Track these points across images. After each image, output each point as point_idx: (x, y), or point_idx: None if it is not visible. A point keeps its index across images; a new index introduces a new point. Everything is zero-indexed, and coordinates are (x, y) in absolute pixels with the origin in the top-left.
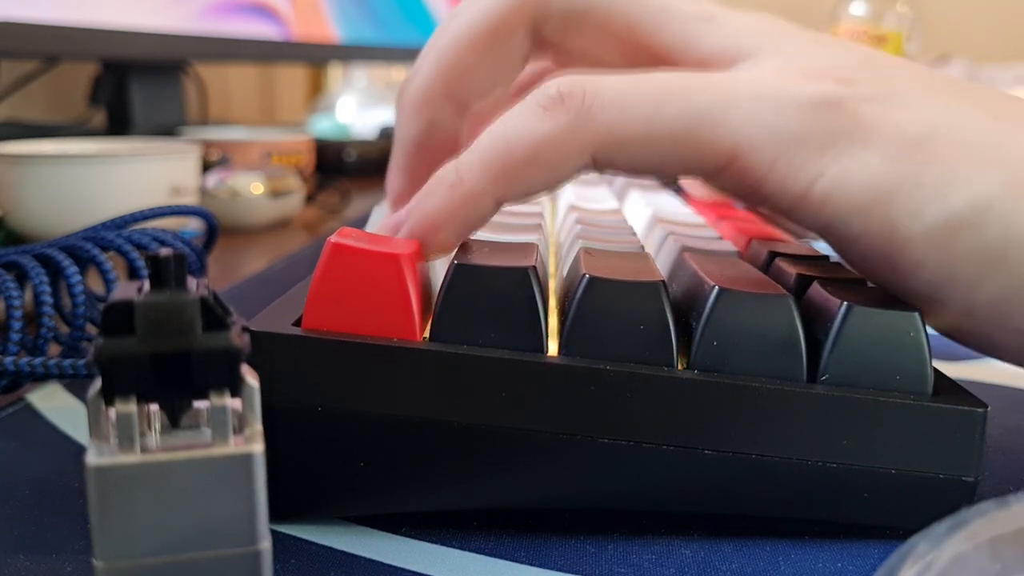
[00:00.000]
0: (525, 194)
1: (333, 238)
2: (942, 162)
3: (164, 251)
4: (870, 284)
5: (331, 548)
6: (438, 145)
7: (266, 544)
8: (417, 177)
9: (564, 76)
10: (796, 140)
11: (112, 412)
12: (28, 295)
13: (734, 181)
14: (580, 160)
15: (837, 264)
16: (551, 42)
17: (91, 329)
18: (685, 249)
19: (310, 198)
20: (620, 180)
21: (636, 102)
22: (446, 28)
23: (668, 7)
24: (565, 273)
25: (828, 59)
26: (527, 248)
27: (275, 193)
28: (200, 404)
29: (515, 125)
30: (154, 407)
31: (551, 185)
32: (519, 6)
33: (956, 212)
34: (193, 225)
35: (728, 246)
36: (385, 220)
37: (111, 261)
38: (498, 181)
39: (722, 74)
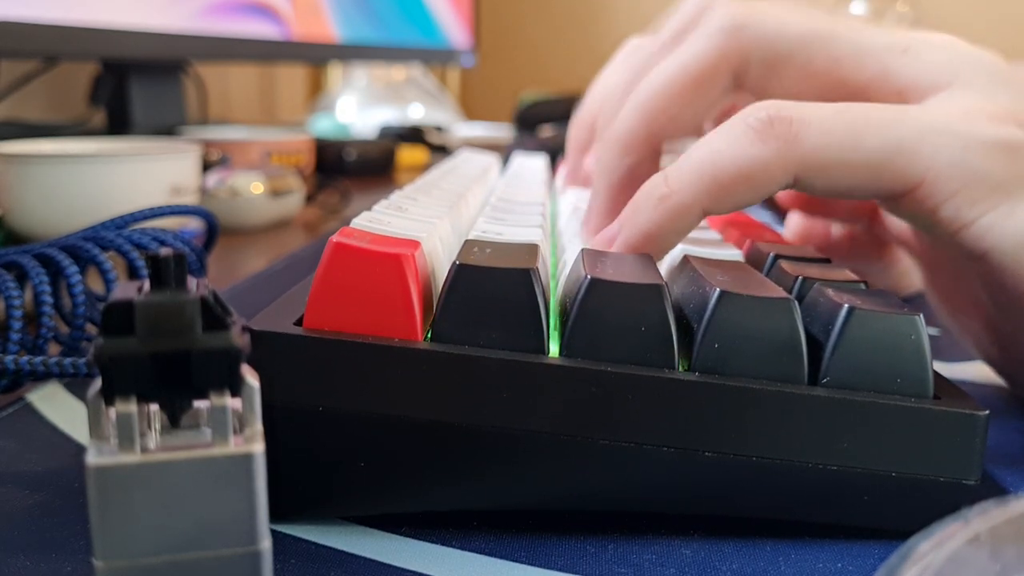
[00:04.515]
0: (729, 207)
1: (335, 237)
2: None
3: (164, 251)
4: (872, 287)
5: (331, 548)
6: (637, 186)
7: (266, 544)
8: (617, 214)
9: (771, 102)
10: (977, 175)
11: (112, 412)
12: (28, 295)
13: (912, 206)
14: (783, 181)
15: (839, 267)
16: (750, 86)
17: (91, 329)
18: (687, 251)
19: (310, 198)
20: None
21: (840, 130)
22: (651, 75)
23: (865, 41)
24: (567, 274)
25: (1011, 101)
26: (529, 249)
27: (275, 193)
28: (200, 404)
29: (726, 145)
30: (154, 407)
31: (754, 200)
32: (723, 57)
33: None
34: (193, 225)
35: (729, 248)
36: (599, 235)
37: (111, 261)
38: (707, 195)
39: (917, 107)
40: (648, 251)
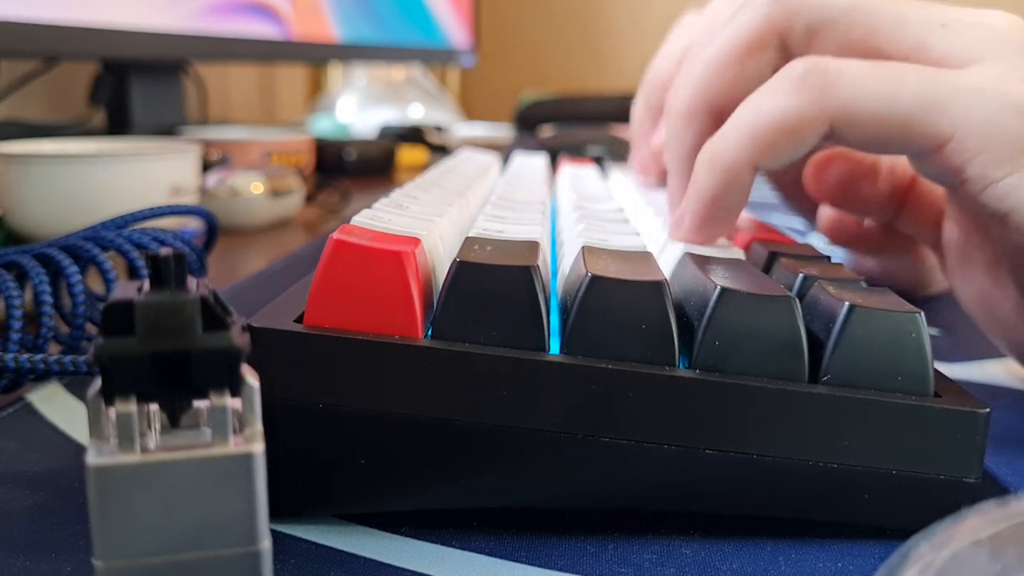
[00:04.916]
0: (775, 162)
1: (336, 235)
2: None
3: (164, 251)
4: (872, 285)
5: (331, 548)
6: None
7: (266, 544)
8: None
9: (808, 57)
10: (1004, 137)
11: (112, 412)
12: (28, 295)
13: (940, 162)
14: (820, 129)
15: (839, 265)
16: (796, 53)
17: (91, 329)
18: (687, 249)
19: (310, 198)
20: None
21: (874, 83)
22: (704, 49)
23: (905, 14)
24: (567, 272)
25: None
26: (530, 246)
27: (275, 193)
28: (200, 404)
29: (765, 100)
30: (154, 407)
31: (796, 154)
32: (770, 25)
33: None
34: (193, 225)
35: (730, 246)
36: (672, 217)
37: (111, 261)
38: (752, 150)
39: (951, 71)
40: (715, 219)
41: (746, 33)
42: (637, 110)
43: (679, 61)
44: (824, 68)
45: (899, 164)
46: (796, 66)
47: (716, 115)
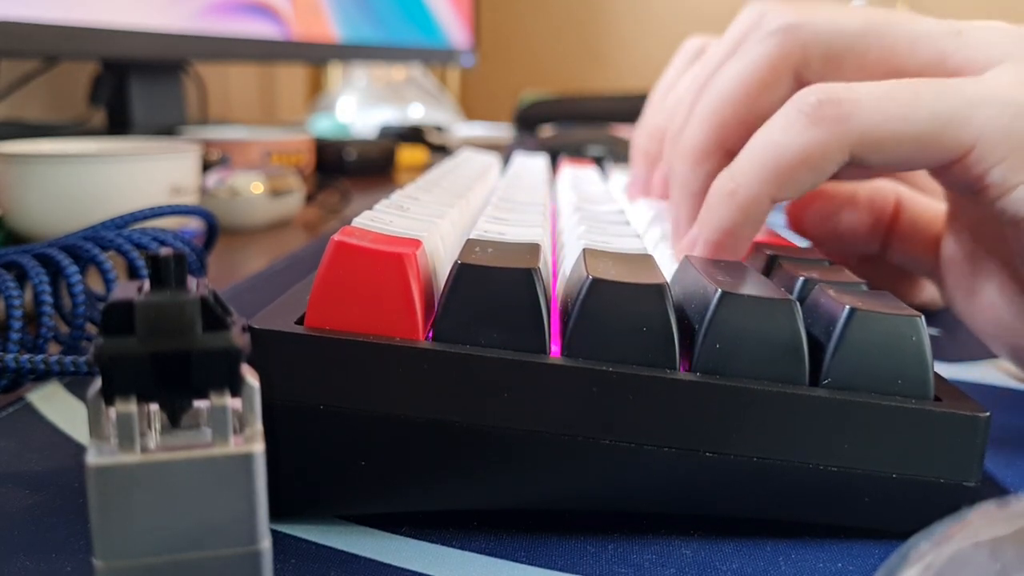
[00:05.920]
0: (794, 193)
1: (337, 236)
2: None
3: (164, 251)
4: (872, 288)
5: (331, 548)
6: None
7: (266, 544)
8: None
9: (819, 85)
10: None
11: (112, 412)
12: (28, 295)
13: (961, 173)
14: (840, 159)
15: (840, 268)
16: (811, 81)
17: (91, 329)
18: (688, 252)
19: (310, 198)
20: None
21: (890, 106)
22: (715, 83)
23: (920, 28)
24: (568, 274)
25: None
26: (531, 248)
27: (275, 193)
28: (200, 404)
29: (782, 134)
30: (154, 407)
31: (817, 182)
32: (783, 57)
33: None
34: (193, 225)
35: None
36: (683, 240)
37: (111, 261)
38: (772, 184)
39: (966, 79)
40: (729, 247)
41: (758, 68)
42: (637, 145)
43: (687, 103)
44: (838, 97)
45: (879, 194)
46: (809, 97)
47: (727, 150)
